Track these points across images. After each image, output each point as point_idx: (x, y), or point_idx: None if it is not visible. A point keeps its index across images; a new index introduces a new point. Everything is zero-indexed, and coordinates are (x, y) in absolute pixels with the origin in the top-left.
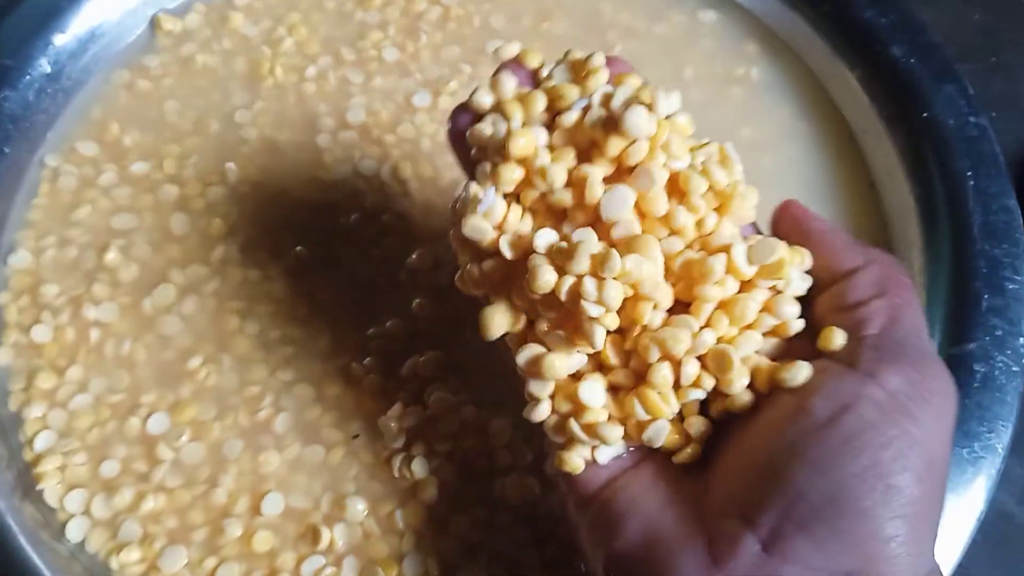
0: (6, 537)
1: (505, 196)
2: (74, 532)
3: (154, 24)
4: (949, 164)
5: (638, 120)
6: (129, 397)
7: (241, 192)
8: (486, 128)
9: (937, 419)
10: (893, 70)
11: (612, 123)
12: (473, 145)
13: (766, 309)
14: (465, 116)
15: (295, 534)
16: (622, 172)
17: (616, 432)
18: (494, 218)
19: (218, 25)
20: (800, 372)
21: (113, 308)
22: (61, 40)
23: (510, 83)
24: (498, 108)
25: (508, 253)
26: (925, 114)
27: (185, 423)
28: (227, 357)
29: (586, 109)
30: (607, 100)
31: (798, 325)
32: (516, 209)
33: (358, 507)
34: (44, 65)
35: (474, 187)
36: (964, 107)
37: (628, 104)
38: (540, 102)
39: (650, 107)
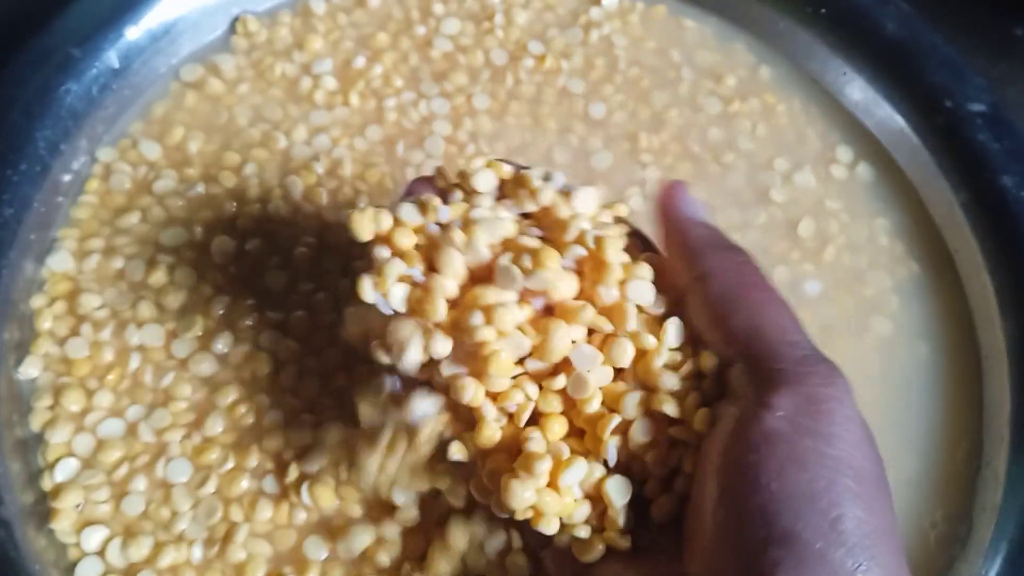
0: (10, 568)
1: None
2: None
3: (234, 26)
4: None
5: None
6: (162, 434)
7: (306, 212)
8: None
9: (844, 425)
10: None
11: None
12: None
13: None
14: None
15: None
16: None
17: None
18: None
19: (302, 35)
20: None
21: (159, 333)
22: (133, 34)
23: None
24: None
25: None
26: None
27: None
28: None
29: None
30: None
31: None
32: None
33: None
34: (112, 59)
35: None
36: None
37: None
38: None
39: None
